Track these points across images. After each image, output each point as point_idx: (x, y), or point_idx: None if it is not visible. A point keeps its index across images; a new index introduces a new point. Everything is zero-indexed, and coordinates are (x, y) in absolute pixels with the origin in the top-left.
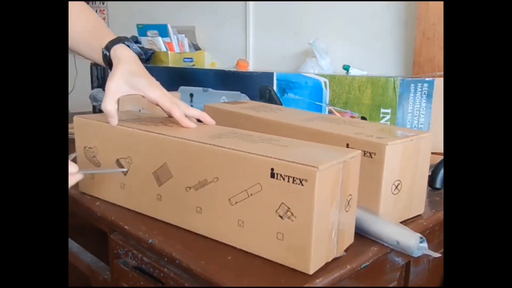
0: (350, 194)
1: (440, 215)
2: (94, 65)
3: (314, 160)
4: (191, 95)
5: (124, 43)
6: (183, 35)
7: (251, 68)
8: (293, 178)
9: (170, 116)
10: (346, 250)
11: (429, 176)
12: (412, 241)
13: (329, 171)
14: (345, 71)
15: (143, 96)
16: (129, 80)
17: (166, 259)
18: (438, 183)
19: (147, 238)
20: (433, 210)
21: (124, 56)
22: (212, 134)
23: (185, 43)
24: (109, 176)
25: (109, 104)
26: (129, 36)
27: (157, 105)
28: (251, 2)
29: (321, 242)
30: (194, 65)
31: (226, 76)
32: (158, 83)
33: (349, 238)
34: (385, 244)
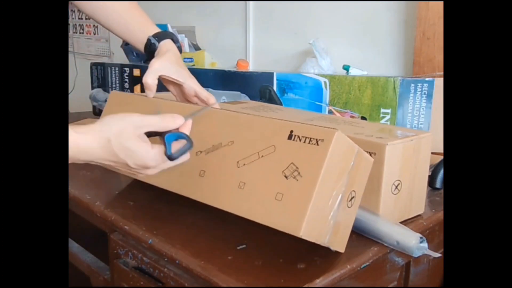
0: (354, 190)
1: (440, 215)
2: (94, 65)
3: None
4: None
5: (172, 40)
6: (183, 35)
7: (251, 68)
8: (310, 138)
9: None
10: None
11: (429, 176)
12: (412, 241)
13: (344, 141)
14: (345, 71)
15: (182, 83)
16: (174, 66)
17: (166, 259)
18: (438, 183)
19: (147, 238)
20: (433, 210)
21: (172, 49)
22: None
23: (185, 43)
24: None
25: (150, 78)
26: None
27: (194, 95)
28: (251, 2)
29: (318, 211)
30: (194, 65)
31: (226, 76)
32: (195, 78)
33: (341, 242)
34: (385, 244)
